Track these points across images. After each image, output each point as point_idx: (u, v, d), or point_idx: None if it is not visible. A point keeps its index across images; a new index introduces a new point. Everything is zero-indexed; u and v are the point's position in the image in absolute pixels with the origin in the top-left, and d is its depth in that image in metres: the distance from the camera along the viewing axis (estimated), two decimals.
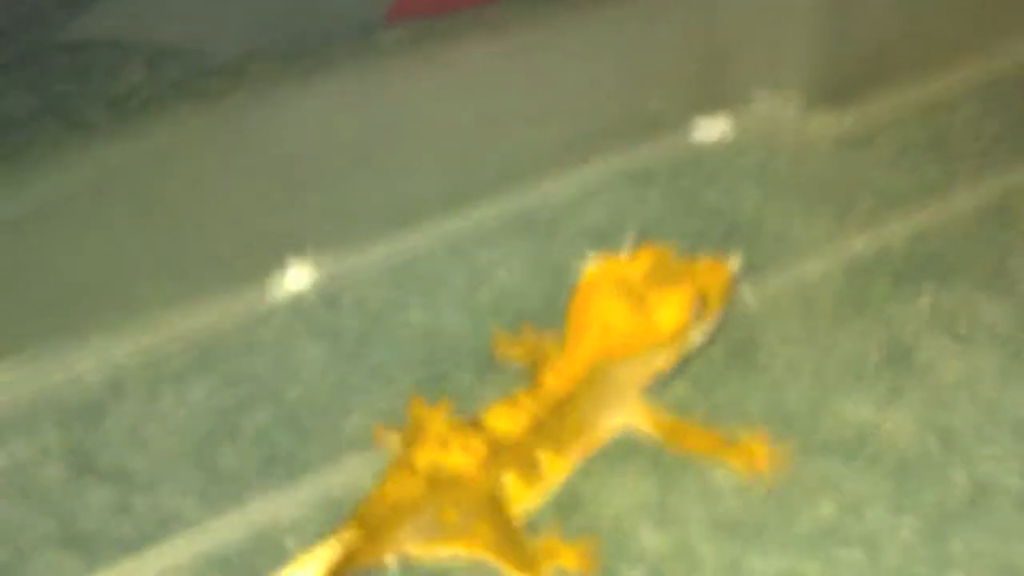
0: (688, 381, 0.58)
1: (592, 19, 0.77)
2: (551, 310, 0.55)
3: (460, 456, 0.49)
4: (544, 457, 0.51)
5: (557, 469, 0.52)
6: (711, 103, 0.78)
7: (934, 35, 0.83)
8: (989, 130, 0.77)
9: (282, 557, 0.49)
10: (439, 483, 0.48)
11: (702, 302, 0.53)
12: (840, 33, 0.79)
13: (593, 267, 0.54)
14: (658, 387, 0.57)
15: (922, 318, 0.61)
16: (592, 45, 0.77)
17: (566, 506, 0.52)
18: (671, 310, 0.52)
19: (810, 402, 0.56)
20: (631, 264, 0.54)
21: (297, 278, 0.66)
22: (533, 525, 0.51)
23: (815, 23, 0.78)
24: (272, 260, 0.66)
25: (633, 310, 0.52)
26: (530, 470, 0.51)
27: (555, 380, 0.52)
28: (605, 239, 0.68)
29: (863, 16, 0.79)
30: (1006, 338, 0.59)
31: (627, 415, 0.54)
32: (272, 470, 0.55)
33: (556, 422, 0.51)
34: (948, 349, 0.59)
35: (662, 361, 0.53)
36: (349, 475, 0.54)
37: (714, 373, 0.59)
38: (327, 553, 0.46)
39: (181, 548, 0.51)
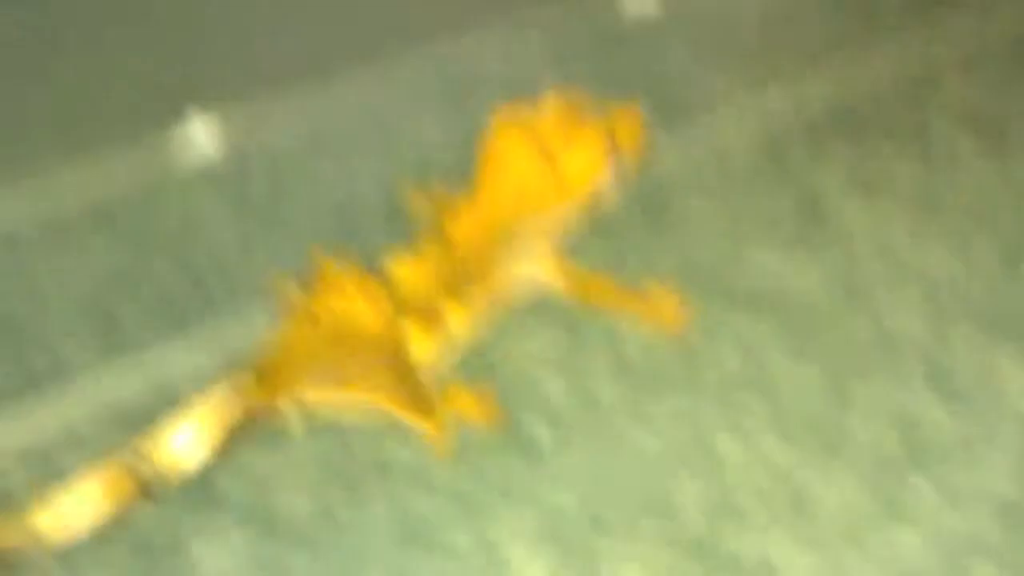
0: (601, 237, 0.57)
1: None
2: (465, 169, 0.54)
3: (360, 304, 0.48)
4: (448, 306, 0.50)
5: (462, 319, 0.51)
6: None
7: None
8: None
9: (179, 405, 0.48)
10: (339, 330, 0.48)
11: (614, 153, 0.52)
12: None
13: (503, 118, 0.53)
14: (571, 243, 0.57)
15: (836, 176, 0.60)
16: None
17: (473, 360, 0.51)
18: (579, 157, 0.51)
19: (721, 256, 0.56)
20: (540, 112, 0.53)
21: (204, 136, 0.64)
22: (441, 381, 0.50)
23: None
24: (176, 116, 0.64)
25: (544, 166, 0.51)
26: (433, 319, 0.50)
27: (462, 232, 0.51)
28: (522, 91, 0.67)
29: None
30: (917, 196, 0.59)
31: (535, 267, 0.53)
32: (170, 322, 0.53)
33: (462, 273, 0.50)
34: (860, 206, 0.58)
35: (572, 211, 0.52)
36: (248, 326, 0.53)
37: (627, 229, 0.58)
38: (222, 400, 0.45)
39: (77, 398, 0.50)
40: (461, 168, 0.56)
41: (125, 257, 0.58)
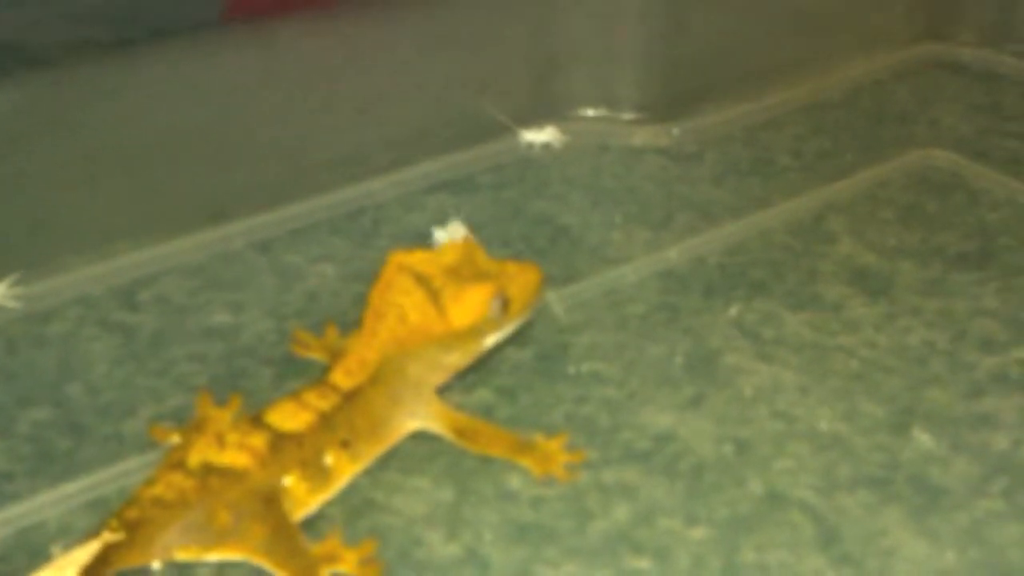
0: (493, 387, 0.57)
1: (425, 21, 0.76)
2: (360, 313, 0.54)
3: (236, 454, 0.47)
4: (332, 454, 0.49)
5: (345, 469, 0.50)
6: (542, 112, 0.78)
7: (763, 55, 0.84)
8: (811, 149, 0.78)
9: (44, 559, 0.46)
10: (213, 479, 0.46)
11: (502, 302, 0.52)
12: (672, 48, 0.79)
13: (395, 259, 0.53)
14: (463, 390, 0.56)
15: (729, 329, 0.61)
16: (424, 47, 0.76)
17: (353, 509, 0.50)
18: (466, 306, 0.51)
19: (613, 409, 0.56)
20: (436, 257, 0.53)
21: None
22: (316, 529, 0.48)
23: (647, 37, 0.78)
24: (67, 249, 0.63)
25: (428, 301, 0.51)
26: (315, 470, 0.48)
27: (345, 376, 0.50)
28: (424, 243, 0.67)
29: (694, 33, 0.79)
30: (806, 353, 0.59)
31: (421, 414, 0.52)
32: (42, 470, 0.51)
33: (345, 420, 0.49)
34: (751, 361, 0.59)
35: (456, 358, 0.52)
36: (126, 477, 0.51)
37: (520, 379, 0.57)
38: (85, 554, 0.43)
39: None
40: (355, 312, 0.55)
41: (2, 396, 0.56)
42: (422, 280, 0.52)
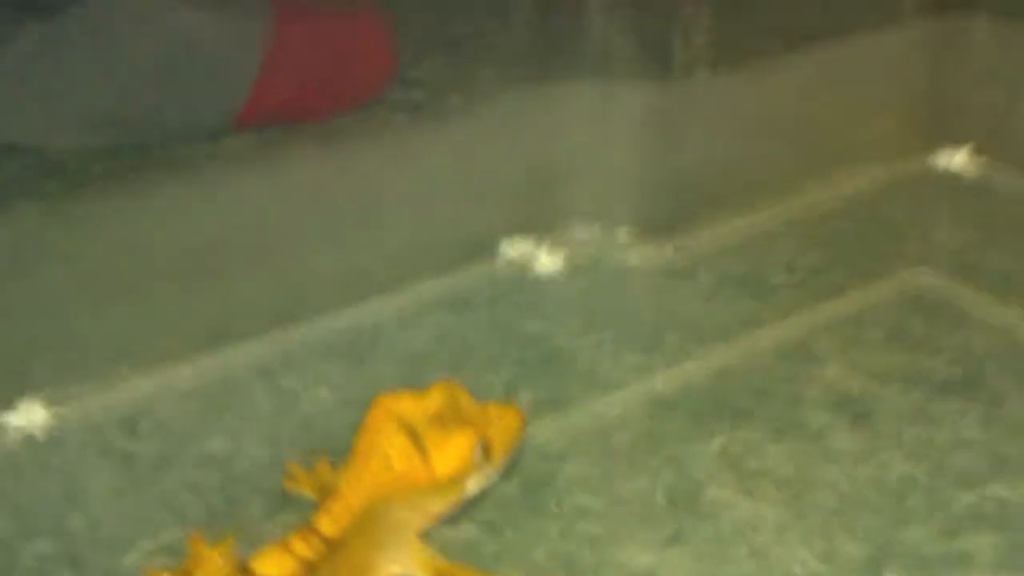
0: (478, 522, 0.58)
1: (424, 139, 0.78)
2: (352, 442, 0.55)
3: None
4: None
5: None
6: (537, 230, 0.80)
7: (758, 169, 0.86)
8: (803, 266, 0.80)
9: None
10: None
11: (484, 450, 0.53)
12: (665, 165, 0.81)
13: (382, 402, 0.55)
14: (447, 526, 0.57)
15: (712, 461, 0.62)
16: (423, 164, 0.78)
17: None
18: (448, 455, 0.52)
19: (595, 547, 0.57)
20: (419, 402, 0.55)
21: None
22: None
23: (641, 155, 0.80)
24: (69, 375, 0.65)
25: (412, 448, 0.52)
26: None
27: (329, 523, 0.52)
28: (420, 366, 0.69)
29: (689, 149, 0.82)
30: (787, 486, 0.61)
31: (402, 560, 0.53)
32: None
33: (329, 568, 0.51)
34: (732, 494, 0.60)
35: (438, 505, 0.53)
36: None
37: (505, 515, 0.59)
38: None
39: None
40: (349, 440, 0.57)
41: (7, 528, 0.58)
42: (406, 426, 0.53)
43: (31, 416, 0.64)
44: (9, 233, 0.80)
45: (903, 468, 0.62)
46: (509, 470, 0.60)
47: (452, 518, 0.58)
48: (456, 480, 0.53)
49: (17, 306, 0.72)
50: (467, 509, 0.58)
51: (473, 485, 0.54)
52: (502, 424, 0.55)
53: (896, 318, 0.74)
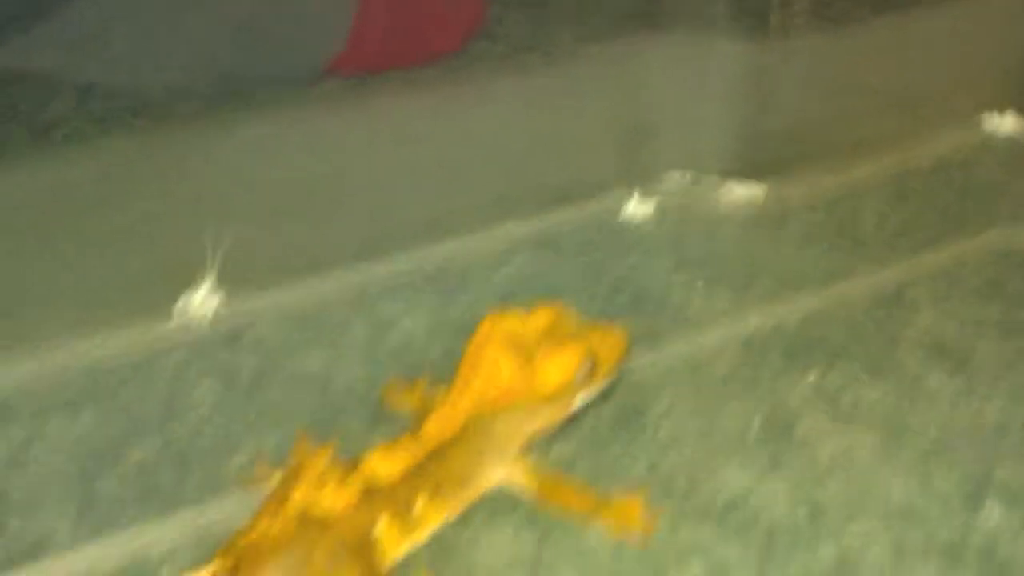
0: (575, 441, 0.59)
1: (516, 86, 0.79)
2: (449, 366, 0.56)
3: (333, 497, 0.49)
4: (421, 503, 0.51)
5: (433, 516, 0.52)
6: (630, 176, 0.80)
7: (851, 125, 0.86)
8: (895, 221, 0.79)
9: None
10: (310, 523, 0.49)
11: (589, 366, 0.54)
12: (760, 116, 0.82)
13: (490, 320, 0.55)
14: (544, 444, 0.58)
15: (806, 395, 0.62)
16: (514, 111, 0.79)
17: (440, 555, 0.52)
18: (556, 369, 0.53)
19: (690, 468, 0.57)
20: (527, 320, 0.55)
21: (200, 314, 0.67)
22: (404, 573, 0.51)
23: (736, 104, 0.81)
24: (174, 295, 0.67)
25: (520, 364, 0.53)
26: (405, 515, 0.51)
27: (437, 427, 0.53)
28: (511, 300, 0.70)
29: (782, 101, 0.82)
30: (883, 421, 0.60)
31: (505, 469, 0.54)
32: (151, 501, 0.55)
33: (435, 469, 0.52)
34: (828, 427, 0.60)
35: (543, 419, 0.54)
36: (228, 511, 0.54)
37: (601, 435, 0.60)
38: None
39: (53, 570, 0.51)
40: (445, 364, 0.58)
41: (113, 431, 0.59)
42: (515, 342, 0.54)
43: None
44: (103, 165, 0.82)
45: (1000, 409, 0.62)
46: (605, 397, 0.61)
47: (550, 437, 0.58)
48: (562, 395, 0.54)
49: (111, 232, 0.74)
50: (565, 429, 0.59)
51: (578, 401, 0.55)
52: (607, 343, 0.55)
53: (990, 272, 0.74)
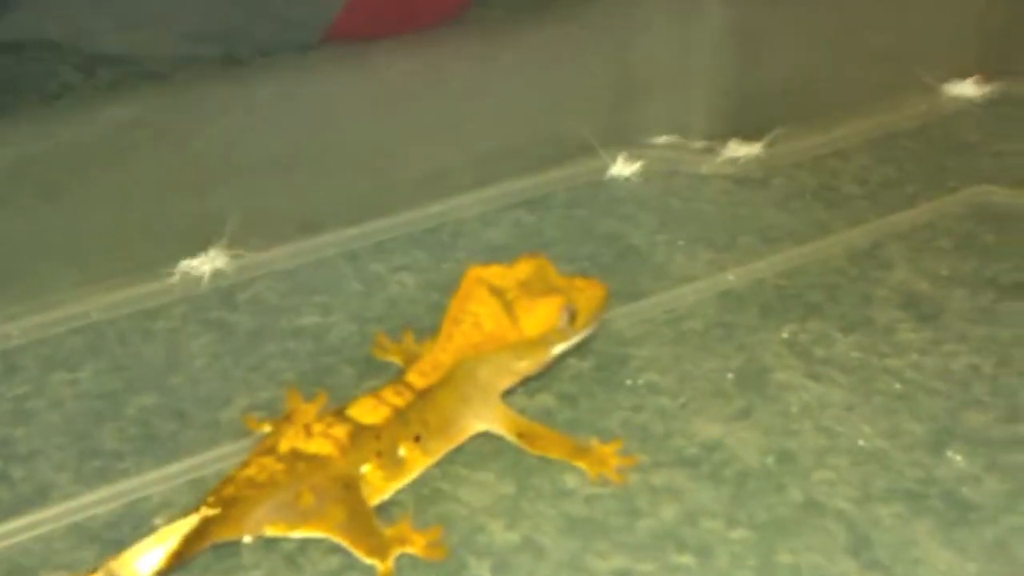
0: (554, 393, 0.61)
1: (508, 47, 0.81)
2: (437, 319, 0.59)
3: (321, 443, 0.52)
4: (404, 449, 0.54)
5: (418, 460, 0.55)
6: (616, 135, 0.82)
7: (834, 87, 0.88)
8: (876, 179, 0.81)
9: (148, 531, 0.51)
10: (298, 467, 0.51)
11: (570, 315, 0.56)
12: (743, 78, 0.83)
13: (473, 273, 0.58)
14: (527, 393, 0.61)
15: (780, 349, 0.65)
16: (506, 71, 0.81)
17: (423, 498, 0.55)
18: (537, 317, 0.56)
19: (666, 418, 0.60)
20: (509, 272, 0.58)
21: (200, 273, 0.69)
22: (389, 514, 0.53)
23: (720, 67, 0.82)
24: (174, 254, 0.69)
25: (502, 312, 0.56)
26: (390, 461, 0.54)
27: (420, 377, 0.55)
28: (499, 257, 0.72)
29: (765, 64, 0.83)
30: (853, 373, 0.63)
31: (486, 416, 0.57)
32: (148, 451, 0.57)
33: (419, 414, 0.54)
34: (800, 379, 0.62)
35: (525, 364, 0.57)
36: (222, 461, 0.57)
37: (580, 387, 0.62)
38: (185, 526, 0.49)
39: (52, 518, 0.54)
40: (434, 318, 0.60)
41: (113, 383, 0.62)
42: (497, 292, 0.57)
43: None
44: (108, 130, 0.85)
45: (968, 360, 0.64)
46: (587, 348, 0.63)
47: (530, 389, 0.61)
48: (542, 341, 0.56)
49: (115, 193, 0.77)
50: (546, 380, 0.62)
51: (558, 347, 0.57)
52: (586, 294, 0.58)
53: (965, 228, 0.76)
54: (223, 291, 0.69)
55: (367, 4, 0.97)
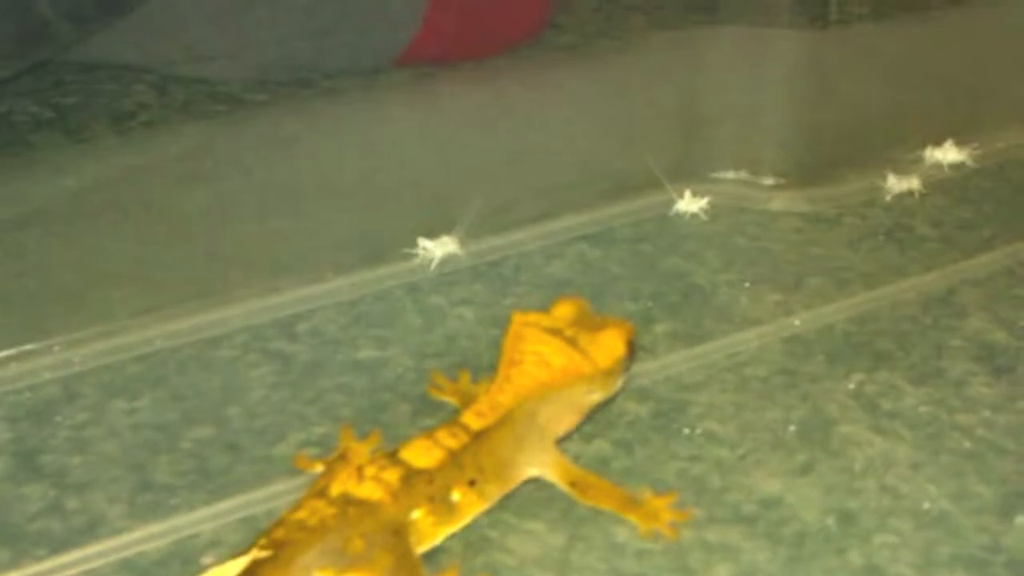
0: (611, 440, 0.60)
1: (577, 78, 0.80)
2: (496, 359, 0.58)
3: (372, 487, 0.51)
4: (458, 493, 0.53)
5: (471, 506, 0.54)
6: (683, 170, 0.81)
7: (910, 123, 0.85)
8: (951, 220, 0.79)
9: (196, 569, 0.51)
10: (349, 512, 0.51)
11: (630, 346, 0.57)
12: (816, 114, 0.81)
13: (520, 316, 0.58)
14: (580, 444, 0.60)
15: (847, 400, 0.63)
16: (574, 103, 0.80)
17: (472, 545, 0.54)
18: (606, 345, 0.57)
19: (724, 470, 0.58)
20: (552, 314, 0.59)
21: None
22: (436, 561, 0.53)
23: (792, 102, 0.80)
24: (236, 282, 0.70)
25: (567, 346, 0.56)
26: (442, 506, 0.53)
27: (476, 418, 0.55)
28: (561, 293, 0.71)
29: (839, 98, 0.81)
30: (922, 430, 0.61)
31: (539, 461, 0.56)
32: (200, 486, 0.57)
33: (473, 460, 0.54)
34: (865, 433, 0.61)
35: (596, 397, 0.57)
36: (274, 499, 0.56)
37: (637, 434, 0.61)
38: (235, 567, 0.48)
39: (104, 552, 0.54)
40: (493, 355, 0.60)
41: (171, 414, 0.62)
42: (552, 331, 0.57)
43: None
44: (180, 149, 0.85)
45: None
46: (643, 393, 0.63)
47: (586, 435, 0.60)
48: (614, 371, 0.57)
49: (184, 214, 0.77)
50: (601, 428, 0.61)
51: (621, 380, 0.58)
52: (621, 333, 0.58)
53: None
54: (283, 321, 0.69)
55: (444, 29, 0.97)
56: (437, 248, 0.74)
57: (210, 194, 0.80)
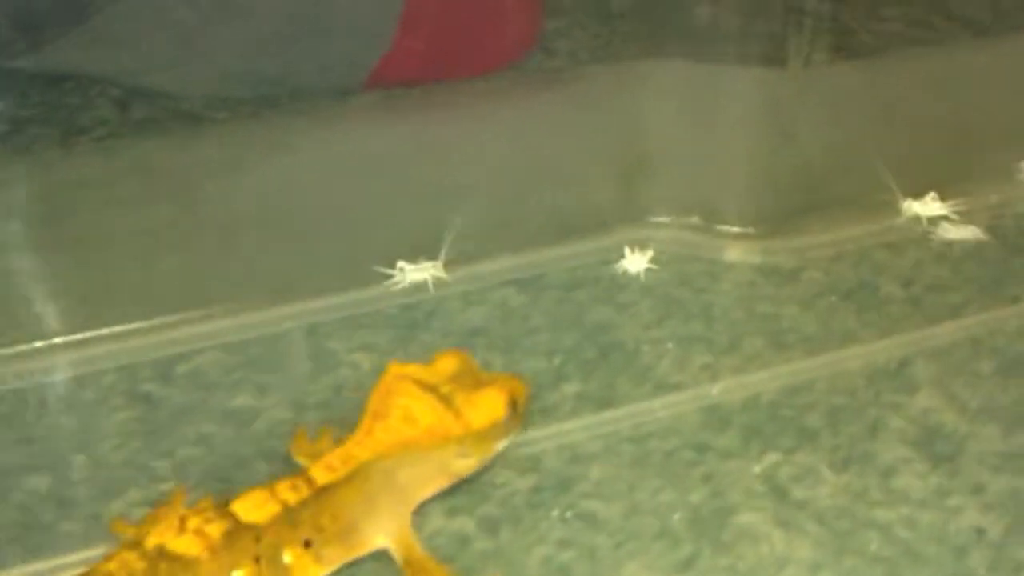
0: (477, 516, 0.54)
1: (508, 108, 0.74)
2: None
3: (191, 540, 0.47)
4: (290, 556, 0.48)
5: (306, 570, 0.49)
6: (629, 220, 0.74)
7: (886, 167, 0.77)
8: (925, 281, 0.71)
9: None
10: (161, 567, 0.46)
11: (513, 407, 0.52)
12: (775, 158, 0.74)
13: (395, 368, 0.53)
14: (443, 515, 0.54)
15: (754, 484, 0.56)
16: (509, 138, 0.74)
17: None
18: (483, 407, 0.51)
19: (594, 560, 0.52)
20: (433, 367, 0.54)
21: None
22: None
23: (748, 145, 0.74)
24: (120, 317, 0.65)
25: (439, 404, 0.51)
26: (270, 568, 0.48)
27: (324, 471, 0.50)
28: (471, 343, 0.66)
29: (801, 144, 0.74)
30: (831, 525, 0.54)
31: (390, 529, 0.51)
32: (20, 542, 0.53)
33: (311, 518, 0.49)
34: (765, 526, 0.54)
35: (468, 463, 0.52)
36: (93, 562, 0.51)
37: (509, 511, 0.55)
38: None
39: None
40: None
41: (12, 460, 0.58)
42: (426, 386, 0.52)
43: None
44: (138, 167, 0.82)
45: (973, 520, 0.54)
46: (530, 463, 0.57)
47: (451, 508, 0.54)
48: (489, 435, 0.52)
49: (101, 238, 0.73)
50: (471, 500, 0.55)
51: (500, 443, 0.53)
52: (518, 390, 0.54)
53: (1015, 350, 0.65)
54: (163, 361, 0.64)
55: (413, 49, 0.92)
56: None
57: (151, 214, 0.76)
